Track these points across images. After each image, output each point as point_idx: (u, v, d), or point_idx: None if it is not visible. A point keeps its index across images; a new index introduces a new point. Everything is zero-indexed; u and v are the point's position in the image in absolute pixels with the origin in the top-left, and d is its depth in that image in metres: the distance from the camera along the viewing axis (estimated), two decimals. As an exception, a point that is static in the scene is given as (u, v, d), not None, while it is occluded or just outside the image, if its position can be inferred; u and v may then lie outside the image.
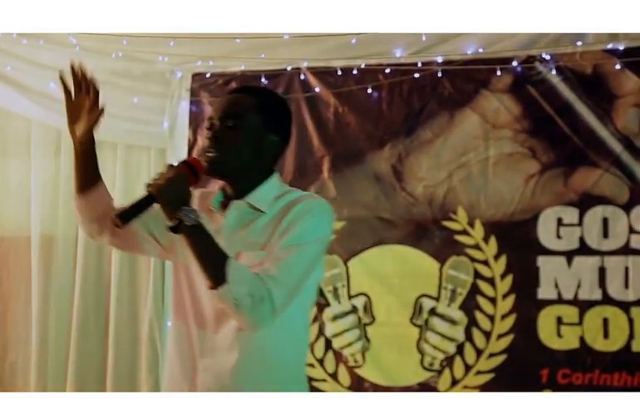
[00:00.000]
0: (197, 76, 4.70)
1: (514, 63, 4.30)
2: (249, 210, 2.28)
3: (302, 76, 4.57)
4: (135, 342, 4.73)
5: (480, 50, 4.34)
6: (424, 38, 4.28)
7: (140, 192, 4.68)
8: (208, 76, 4.70)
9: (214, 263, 2.12)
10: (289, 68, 4.58)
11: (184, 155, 4.67)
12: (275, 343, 2.23)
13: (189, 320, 2.31)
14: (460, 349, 4.30)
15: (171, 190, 2.12)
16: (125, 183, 4.78)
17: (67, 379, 4.70)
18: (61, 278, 4.79)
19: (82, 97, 2.40)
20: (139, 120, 4.79)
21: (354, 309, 4.43)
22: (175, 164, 2.21)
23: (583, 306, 4.16)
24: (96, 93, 2.40)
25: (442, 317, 4.33)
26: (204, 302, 2.27)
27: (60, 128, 4.80)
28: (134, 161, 4.85)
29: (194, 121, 4.70)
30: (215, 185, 2.40)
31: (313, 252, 2.24)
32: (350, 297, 4.45)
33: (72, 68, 2.43)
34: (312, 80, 4.57)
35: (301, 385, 2.34)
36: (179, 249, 2.32)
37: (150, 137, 4.79)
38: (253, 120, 2.27)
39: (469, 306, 4.31)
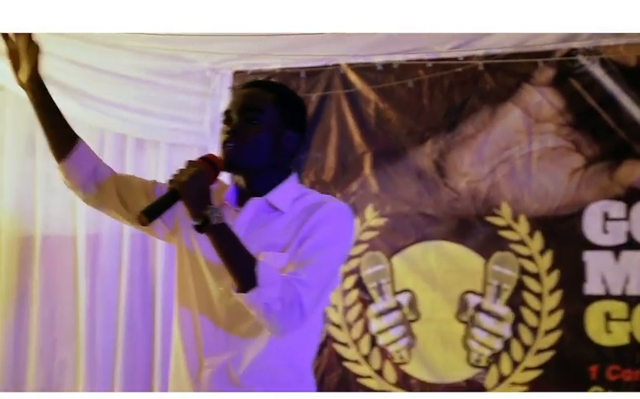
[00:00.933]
0: (237, 74, 4.74)
1: (557, 56, 4.23)
2: (267, 209, 2.26)
3: (341, 73, 4.58)
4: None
5: (523, 43, 4.27)
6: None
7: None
8: (248, 73, 4.69)
9: (243, 266, 2.08)
10: (329, 65, 4.56)
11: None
12: (288, 346, 2.21)
13: (193, 309, 2.28)
14: (506, 345, 4.30)
15: (195, 187, 2.08)
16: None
17: (115, 378, 4.73)
18: (107, 277, 4.87)
19: (16, 41, 2.37)
20: (180, 119, 4.83)
21: (399, 306, 4.44)
22: (194, 159, 2.18)
23: (632, 301, 4.14)
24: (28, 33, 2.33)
25: (488, 313, 4.32)
26: (214, 297, 2.25)
27: (103, 127, 4.81)
28: (175, 160, 4.86)
29: (235, 119, 4.70)
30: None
31: (337, 256, 2.24)
32: (394, 293, 4.44)
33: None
34: (352, 76, 4.57)
35: (308, 387, 2.31)
36: (183, 234, 2.33)
37: (191, 136, 4.82)
38: (273, 116, 2.26)
39: (515, 302, 4.31)
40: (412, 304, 4.44)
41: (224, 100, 4.75)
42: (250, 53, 4.66)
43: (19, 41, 2.33)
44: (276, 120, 2.25)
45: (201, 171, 2.10)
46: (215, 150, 4.61)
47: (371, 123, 4.54)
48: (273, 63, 4.67)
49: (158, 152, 4.87)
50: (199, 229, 2.07)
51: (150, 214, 2.10)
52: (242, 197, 2.30)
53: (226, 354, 2.21)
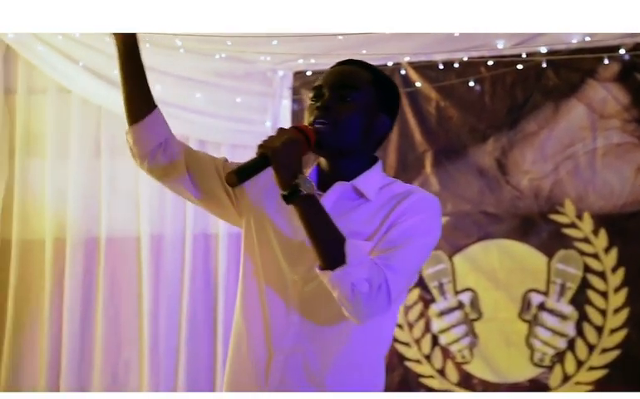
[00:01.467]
0: (298, 75, 4.80)
1: (622, 51, 4.18)
2: (353, 195, 2.13)
3: (402, 72, 4.60)
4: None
5: (586, 39, 4.24)
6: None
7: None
8: (309, 73, 4.75)
9: (332, 242, 1.96)
10: (390, 63, 4.59)
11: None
12: (364, 341, 2.10)
13: (262, 293, 2.15)
14: (570, 344, 4.28)
15: (286, 154, 1.95)
16: (230, 182, 4.83)
17: (178, 378, 4.80)
18: (170, 278, 4.94)
19: None
20: (242, 120, 4.89)
21: (460, 305, 4.43)
22: (286, 127, 2.07)
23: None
24: None
25: (552, 312, 4.28)
26: (288, 284, 2.12)
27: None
28: (237, 160, 4.85)
29: (296, 119, 4.78)
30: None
31: (425, 248, 2.11)
32: (456, 292, 4.44)
33: None
34: (413, 74, 4.58)
35: (378, 386, 2.17)
36: (255, 217, 2.19)
37: (253, 136, 4.85)
38: (369, 96, 2.12)
39: (579, 300, 4.29)
40: (474, 303, 4.42)
41: (286, 101, 4.80)
42: (311, 53, 4.71)
43: None
44: (371, 101, 2.13)
45: (294, 139, 1.99)
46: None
47: (431, 121, 4.55)
48: (334, 63, 4.67)
49: (220, 153, 4.92)
50: (287, 198, 1.96)
51: (240, 175, 1.97)
52: (324, 180, 2.16)
53: (301, 345, 2.09)
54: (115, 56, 4.68)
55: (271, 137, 1.99)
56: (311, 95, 2.16)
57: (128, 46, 2.24)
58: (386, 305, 1.98)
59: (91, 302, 5.01)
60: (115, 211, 5.06)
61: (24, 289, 5.06)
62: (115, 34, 2.21)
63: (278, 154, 1.95)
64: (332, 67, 2.20)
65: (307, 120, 2.12)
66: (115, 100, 4.90)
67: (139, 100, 2.29)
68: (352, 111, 2.09)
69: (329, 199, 2.11)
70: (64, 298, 4.96)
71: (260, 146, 1.98)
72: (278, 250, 2.15)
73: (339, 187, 2.13)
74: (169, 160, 2.29)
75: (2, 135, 5.13)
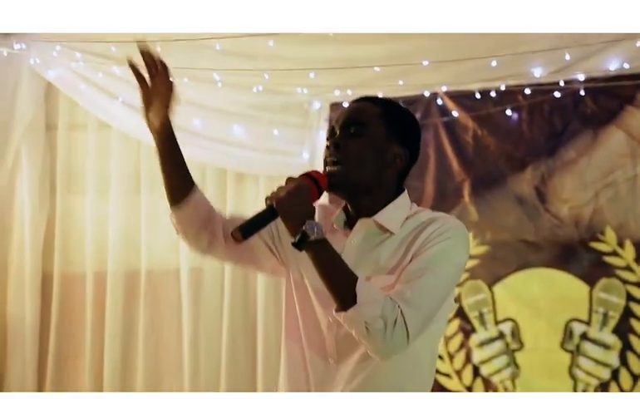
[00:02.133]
0: (335, 106, 4.84)
1: (661, 77, 4.19)
2: (377, 231, 2.15)
3: (439, 101, 4.61)
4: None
5: (625, 65, 4.23)
6: (567, 57, 4.20)
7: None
8: (345, 105, 4.75)
9: (343, 283, 1.99)
10: (427, 93, 4.61)
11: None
12: (398, 376, 2.10)
13: (301, 342, 2.19)
14: (614, 375, 4.23)
15: (294, 203, 2.01)
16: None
17: (219, 410, 4.83)
18: (209, 310, 4.99)
19: (155, 80, 2.24)
20: (279, 152, 4.95)
21: (501, 335, 4.43)
22: (295, 176, 2.11)
23: None
24: (166, 69, 2.25)
25: (594, 341, 4.26)
26: (323, 328, 2.15)
27: (204, 162, 4.95)
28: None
29: (334, 150, 4.77)
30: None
31: (448, 277, 2.09)
32: (496, 322, 4.42)
33: (142, 52, 2.25)
34: (450, 104, 4.61)
35: None
36: (292, 264, 2.25)
37: (290, 168, 4.87)
38: (377, 129, 2.16)
39: (622, 330, 4.27)
40: (515, 333, 4.41)
41: (322, 132, 4.85)
42: (348, 84, 4.75)
43: (158, 80, 2.23)
44: (381, 134, 2.16)
45: (301, 186, 2.04)
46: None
47: (469, 150, 4.57)
48: (371, 93, 4.71)
49: (257, 185, 4.99)
50: (297, 245, 2.00)
51: (245, 231, 2.02)
52: (350, 219, 2.21)
53: (338, 387, 2.12)
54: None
55: (278, 188, 2.05)
56: (327, 135, 2.23)
57: (164, 133, 2.28)
58: (404, 340, 1.97)
59: (132, 334, 5.09)
60: (155, 244, 5.14)
61: (66, 323, 5.16)
62: (150, 124, 2.27)
63: (284, 203, 2.00)
64: (344, 107, 2.28)
65: (323, 159, 2.19)
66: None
67: (178, 184, 2.33)
68: (361, 147, 2.13)
69: (356, 237, 2.15)
70: (105, 330, 5.05)
71: (267, 198, 2.04)
72: (312, 294, 2.19)
73: (362, 224, 2.16)
74: (212, 238, 2.33)
75: (44, 170, 5.25)
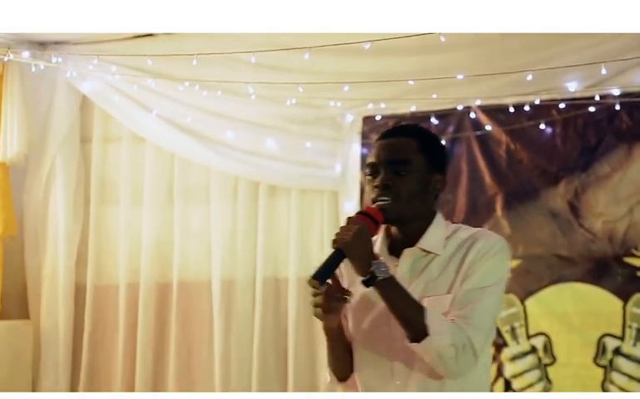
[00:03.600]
0: (367, 119, 4.95)
1: (696, 92, 4.24)
2: (422, 254, 2.32)
3: (472, 115, 4.71)
4: (313, 386, 4.91)
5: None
6: (604, 71, 4.28)
7: (314, 235, 4.90)
8: (378, 118, 4.89)
9: (412, 316, 2.18)
10: (460, 107, 4.70)
11: (356, 198, 4.87)
12: (461, 388, 2.26)
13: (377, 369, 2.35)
14: (648, 390, 4.25)
15: (359, 245, 2.18)
16: (299, 226, 5.03)
17: (250, 420, 4.93)
18: (241, 322, 5.10)
19: (333, 288, 2.31)
20: (311, 165, 5.06)
21: (533, 349, 4.49)
22: (353, 215, 2.27)
23: None
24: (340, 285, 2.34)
25: (628, 357, 4.32)
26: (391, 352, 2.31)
27: (237, 174, 5.08)
28: (307, 205, 5.09)
29: (365, 164, 4.87)
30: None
31: (499, 292, 2.28)
32: (528, 337, 4.49)
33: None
34: (483, 118, 4.70)
35: None
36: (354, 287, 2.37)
37: (322, 181, 5.02)
38: (419, 164, 2.31)
39: (656, 345, 4.28)
40: (547, 348, 4.47)
41: (355, 145, 4.96)
42: (382, 98, 4.85)
43: (335, 289, 2.30)
44: (423, 167, 2.31)
45: (363, 228, 2.20)
46: (347, 195, 4.84)
47: (502, 164, 4.65)
48: (403, 107, 4.84)
49: (289, 198, 5.10)
50: (366, 283, 2.18)
51: (320, 277, 2.18)
52: (394, 244, 2.37)
53: None
54: (187, 103, 4.94)
55: (342, 230, 2.21)
56: (367, 171, 2.34)
57: (337, 333, 2.39)
58: (473, 360, 2.18)
59: (164, 345, 5.21)
60: (187, 256, 5.26)
61: (98, 334, 5.30)
62: (327, 323, 2.34)
63: (351, 247, 2.18)
64: (378, 140, 2.38)
65: (369, 195, 2.33)
66: (187, 147, 5.18)
67: (342, 367, 2.44)
68: (408, 184, 2.28)
69: (404, 266, 2.32)
70: (137, 342, 5.18)
71: (334, 241, 2.20)
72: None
73: (409, 252, 2.32)
74: None
75: (78, 182, 5.41)
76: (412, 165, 2.30)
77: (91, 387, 5.24)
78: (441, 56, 4.52)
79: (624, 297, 4.35)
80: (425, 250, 2.31)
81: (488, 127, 4.68)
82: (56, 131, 5.34)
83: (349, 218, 2.26)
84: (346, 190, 4.98)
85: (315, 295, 2.25)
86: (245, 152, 5.10)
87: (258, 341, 5.01)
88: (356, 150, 4.99)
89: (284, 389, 4.98)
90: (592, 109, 4.46)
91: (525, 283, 4.53)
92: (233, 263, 5.16)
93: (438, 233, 2.33)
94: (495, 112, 4.67)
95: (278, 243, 5.10)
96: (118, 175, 5.41)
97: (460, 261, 2.26)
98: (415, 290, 2.26)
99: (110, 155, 5.47)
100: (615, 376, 4.34)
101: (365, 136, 4.95)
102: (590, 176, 4.47)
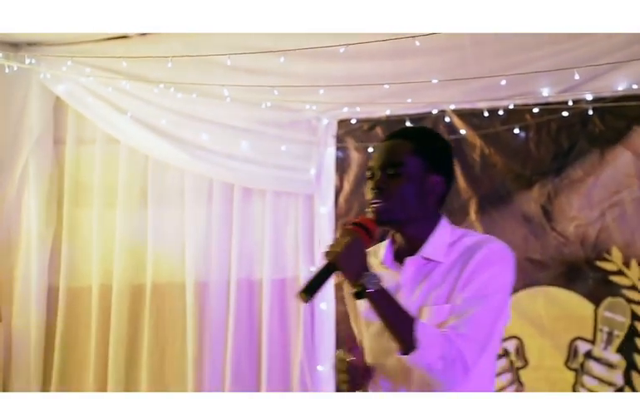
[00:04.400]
0: (342, 122, 4.97)
1: (670, 98, 4.29)
2: (425, 263, 2.33)
3: (447, 119, 4.73)
4: (286, 387, 4.92)
5: (633, 86, 4.35)
6: (577, 77, 4.32)
7: (289, 238, 4.90)
8: (353, 121, 4.91)
9: (403, 329, 2.18)
10: (434, 111, 4.73)
11: (331, 201, 4.89)
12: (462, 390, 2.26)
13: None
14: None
15: (351, 257, 2.19)
16: (274, 229, 5.03)
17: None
18: (214, 323, 5.09)
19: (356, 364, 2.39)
20: (286, 168, 5.06)
21: (506, 353, 4.54)
22: (348, 226, 2.27)
23: None
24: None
25: (599, 360, 4.36)
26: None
27: (211, 177, 5.09)
28: (281, 208, 5.10)
29: (341, 167, 4.95)
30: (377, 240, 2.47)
31: (499, 301, 2.28)
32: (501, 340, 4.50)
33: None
34: (458, 122, 4.73)
35: None
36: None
37: (297, 184, 5.03)
38: (413, 165, 2.32)
39: (627, 349, 4.35)
40: (519, 351, 4.51)
41: (330, 148, 4.98)
42: (357, 101, 4.86)
43: (357, 363, 2.37)
44: (418, 168, 2.32)
45: (355, 239, 2.21)
46: (321, 198, 4.86)
47: (476, 168, 4.68)
48: (379, 111, 4.86)
49: (264, 200, 5.10)
50: (357, 296, 2.19)
51: (309, 292, 2.19)
52: (399, 253, 2.39)
53: None
54: (161, 105, 4.93)
55: (334, 242, 2.23)
56: (367, 175, 2.38)
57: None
58: (463, 373, 2.18)
59: (137, 347, 5.20)
60: (161, 258, 5.25)
61: (71, 335, 5.28)
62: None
63: (343, 260, 2.19)
64: (379, 144, 2.44)
65: (367, 200, 2.36)
66: (161, 149, 5.18)
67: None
68: (401, 185, 2.30)
69: (407, 275, 2.34)
70: (110, 343, 5.16)
71: (326, 254, 2.22)
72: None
73: (410, 261, 2.34)
74: None
75: (51, 184, 5.39)
76: (405, 167, 2.30)
77: (63, 388, 5.21)
78: (416, 60, 4.54)
79: (596, 301, 4.39)
80: (427, 258, 2.32)
81: (462, 131, 4.70)
82: (30, 132, 5.31)
83: (343, 229, 2.27)
84: (320, 193, 4.99)
85: (340, 372, 2.29)
86: (220, 155, 5.10)
87: (232, 343, 5.01)
88: (331, 153, 5.00)
89: (258, 389, 4.98)
90: (565, 114, 4.49)
91: (498, 287, 4.55)
92: (207, 265, 5.15)
93: (441, 240, 2.33)
94: (470, 116, 4.70)
95: (252, 246, 5.10)
96: (92, 177, 5.38)
97: (461, 269, 2.26)
98: (417, 300, 2.29)
99: (83, 157, 5.45)
100: (586, 379, 4.38)
101: (340, 140, 4.96)
102: (563, 180, 4.51)
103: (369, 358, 2.40)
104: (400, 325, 2.19)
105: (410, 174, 2.30)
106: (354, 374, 2.32)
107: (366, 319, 2.41)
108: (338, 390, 2.34)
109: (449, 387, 2.20)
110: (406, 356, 2.18)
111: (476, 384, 2.27)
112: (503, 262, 2.30)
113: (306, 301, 2.20)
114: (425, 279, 2.31)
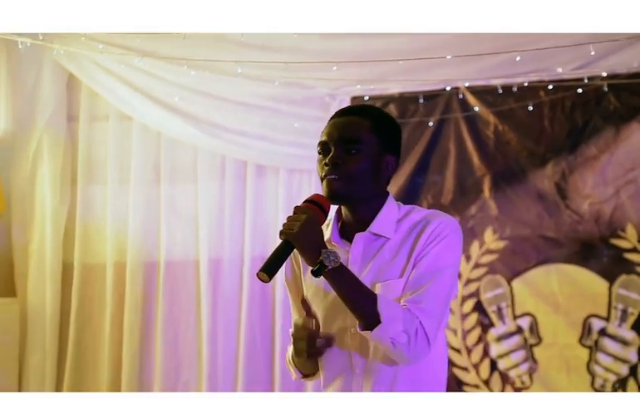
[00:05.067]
0: (355, 99, 4.94)
1: (685, 74, 4.26)
2: (374, 238, 2.29)
3: (460, 96, 4.69)
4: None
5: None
6: (592, 52, 4.29)
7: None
8: (366, 98, 4.89)
9: (364, 305, 2.16)
10: (448, 88, 4.70)
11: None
12: (416, 374, 2.25)
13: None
14: (633, 371, 4.33)
15: (307, 235, 2.15)
16: (287, 206, 5.02)
17: (237, 398, 4.96)
18: (228, 301, 5.10)
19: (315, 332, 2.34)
20: (299, 145, 5.05)
21: (519, 330, 4.52)
22: (302, 204, 2.22)
23: None
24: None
25: (613, 337, 4.35)
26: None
27: (224, 154, 5.08)
28: (294, 185, 5.09)
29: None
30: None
31: (452, 274, 2.26)
32: (515, 317, 4.52)
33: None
34: (471, 99, 4.70)
35: None
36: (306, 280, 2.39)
37: (310, 161, 5.00)
38: (371, 144, 2.27)
39: (641, 326, 4.32)
40: (533, 328, 4.51)
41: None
42: (368, 79, 4.84)
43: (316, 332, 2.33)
44: (375, 147, 2.27)
45: (311, 217, 2.17)
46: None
47: (490, 145, 4.66)
48: (391, 88, 4.85)
49: (277, 178, 5.10)
50: (316, 273, 2.14)
51: (269, 271, 2.15)
52: (346, 230, 2.34)
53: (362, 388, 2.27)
54: (174, 82, 4.90)
55: (289, 221, 2.18)
56: (318, 150, 2.31)
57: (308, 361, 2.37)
58: (427, 346, 2.17)
59: (151, 324, 5.21)
60: (175, 235, 5.26)
61: (85, 312, 5.29)
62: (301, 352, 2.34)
63: (299, 238, 2.15)
64: (332, 119, 2.35)
65: (319, 174, 2.29)
66: (174, 126, 5.17)
67: (312, 366, 2.41)
68: (359, 162, 2.24)
69: (357, 251, 2.29)
70: (124, 320, 5.18)
71: (281, 233, 2.16)
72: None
73: (360, 238, 2.29)
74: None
75: (65, 161, 5.38)
76: (364, 145, 2.25)
77: (78, 365, 5.23)
78: (430, 37, 4.51)
79: (610, 278, 4.38)
80: (376, 234, 2.28)
81: (476, 108, 4.68)
82: (43, 109, 5.30)
83: (296, 207, 2.22)
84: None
85: (299, 340, 2.26)
86: (233, 132, 5.09)
87: (245, 320, 5.02)
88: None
89: (271, 367, 5.00)
90: (580, 90, 4.47)
91: (512, 264, 4.56)
92: (220, 242, 5.16)
93: (389, 217, 2.30)
94: (483, 93, 4.68)
95: (265, 223, 5.10)
96: (105, 154, 5.38)
97: (413, 244, 2.24)
98: (367, 275, 2.25)
99: (96, 134, 5.43)
100: (600, 356, 4.38)
101: (353, 117, 4.93)
102: (577, 158, 4.49)
103: (323, 335, 2.33)
104: (361, 301, 2.16)
105: (367, 153, 2.25)
106: (312, 341, 2.29)
107: (316, 297, 2.33)
108: (297, 355, 2.30)
109: (412, 362, 2.19)
110: (367, 331, 2.15)
111: (433, 357, 2.25)
112: (454, 235, 2.26)
113: (266, 280, 2.15)
114: (374, 255, 2.27)
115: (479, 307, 4.59)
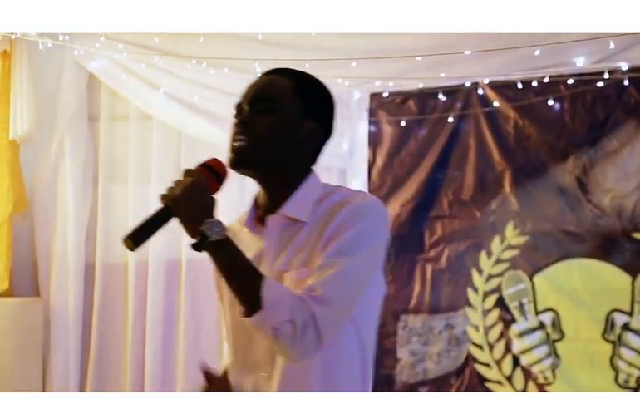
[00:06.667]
0: (375, 96, 4.92)
1: None
2: (288, 223, 1.97)
3: (480, 91, 4.66)
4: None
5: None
6: (612, 45, 4.24)
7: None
8: (385, 95, 4.85)
9: (247, 285, 1.82)
10: (467, 84, 4.66)
11: (364, 175, 4.85)
12: (327, 370, 1.93)
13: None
14: (657, 366, 4.26)
15: (190, 200, 1.84)
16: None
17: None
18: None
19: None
20: (319, 142, 4.97)
21: (542, 325, 4.48)
22: (192, 167, 1.92)
23: None
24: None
25: (636, 332, 4.30)
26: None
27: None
28: (315, 182, 5.03)
29: (373, 141, 4.89)
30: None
31: (366, 263, 1.91)
32: (537, 312, 4.48)
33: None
34: (491, 94, 4.66)
35: None
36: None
37: (329, 158, 4.87)
38: (289, 104, 1.98)
39: (665, 321, 4.27)
40: (556, 324, 4.47)
41: (363, 122, 4.93)
42: (389, 75, 4.80)
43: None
44: (293, 109, 1.98)
45: (197, 181, 1.86)
46: (354, 172, 4.82)
47: (510, 140, 4.62)
48: (411, 84, 4.81)
49: (298, 175, 5.07)
50: (196, 247, 1.85)
51: (135, 239, 1.83)
52: (261, 213, 2.03)
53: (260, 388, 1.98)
54: (194, 81, 4.89)
55: (173, 184, 1.88)
56: (233, 114, 2.03)
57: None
58: (317, 342, 1.83)
59: (173, 322, 5.20)
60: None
61: (108, 311, 5.29)
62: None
63: (179, 202, 1.84)
64: (253, 81, 2.08)
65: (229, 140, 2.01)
66: (194, 125, 5.16)
67: None
68: (272, 123, 1.95)
69: (270, 237, 1.99)
70: (146, 319, 5.17)
71: (161, 196, 1.87)
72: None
73: (273, 221, 1.99)
74: None
75: (86, 161, 5.38)
76: (280, 105, 1.97)
77: (101, 363, 5.24)
78: (449, 33, 4.48)
79: (633, 272, 4.33)
80: (290, 218, 1.96)
81: (496, 104, 4.64)
82: (64, 109, 5.30)
83: (186, 170, 1.90)
84: (353, 167, 4.96)
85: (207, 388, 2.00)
86: (253, 130, 5.08)
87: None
88: (363, 127, 4.95)
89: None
90: (600, 84, 4.41)
91: (533, 260, 4.51)
92: (241, 240, 5.13)
93: (308, 196, 1.97)
94: (503, 88, 4.63)
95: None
96: (126, 153, 5.38)
97: (323, 228, 1.91)
98: (280, 264, 1.94)
99: (117, 134, 5.43)
100: (623, 351, 4.33)
101: (372, 113, 4.92)
102: (598, 152, 4.44)
103: (232, 347, 2.07)
104: (244, 280, 1.82)
105: (284, 114, 1.96)
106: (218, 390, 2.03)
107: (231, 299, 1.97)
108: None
109: (298, 359, 1.86)
110: (248, 318, 1.81)
111: (342, 362, 1.93)
112: (370, 219, 1.92)
113: (131, 249, 1.83)
114: (289, 242, 1.95)
115: (500, 303, 4.56)
